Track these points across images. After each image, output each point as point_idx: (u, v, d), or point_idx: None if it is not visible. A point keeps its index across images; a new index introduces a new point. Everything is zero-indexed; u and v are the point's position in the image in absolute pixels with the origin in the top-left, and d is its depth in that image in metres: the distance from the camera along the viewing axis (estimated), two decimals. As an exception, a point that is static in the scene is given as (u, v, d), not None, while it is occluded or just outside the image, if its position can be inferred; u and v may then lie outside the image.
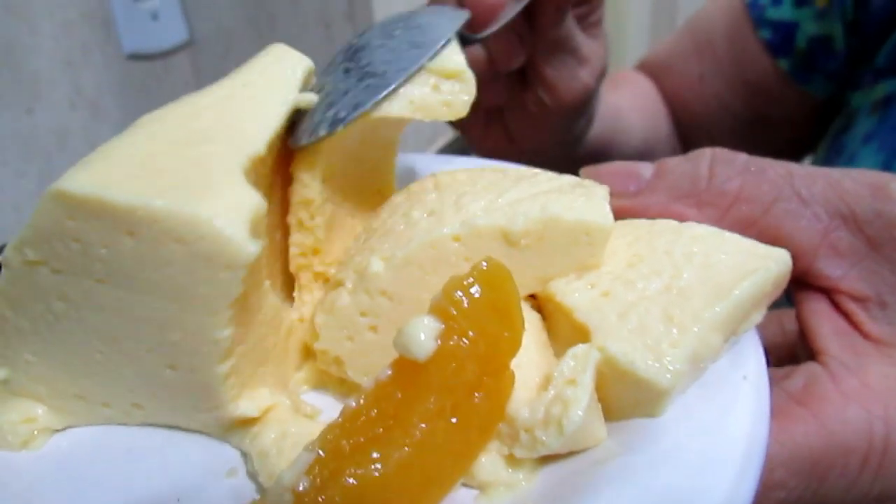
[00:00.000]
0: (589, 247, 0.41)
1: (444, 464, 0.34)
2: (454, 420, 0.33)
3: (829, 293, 0.43)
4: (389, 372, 0.33)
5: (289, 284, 0.48)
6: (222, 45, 1.23)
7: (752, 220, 0.43)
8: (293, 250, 0.47)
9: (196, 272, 0.35)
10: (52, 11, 0.99)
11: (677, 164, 0.45)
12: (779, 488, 0.38)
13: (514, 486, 0.36)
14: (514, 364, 0.36)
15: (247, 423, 0.40)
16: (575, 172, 0.46)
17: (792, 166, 0.43)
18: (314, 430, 0.38)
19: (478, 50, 0.63)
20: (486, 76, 0.63)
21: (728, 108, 0.92)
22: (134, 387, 0.40)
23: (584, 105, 0.70)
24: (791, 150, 0.92)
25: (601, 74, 0.70)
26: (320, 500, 0.31)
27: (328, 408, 0.43)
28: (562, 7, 0.60)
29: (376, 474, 0.31)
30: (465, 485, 0.36)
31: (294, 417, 0.40)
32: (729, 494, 0.31)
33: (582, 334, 0.38)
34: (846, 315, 0.42)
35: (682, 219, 0.44)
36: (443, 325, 0.33)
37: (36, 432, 0.41)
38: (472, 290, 0.34)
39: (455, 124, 0.72)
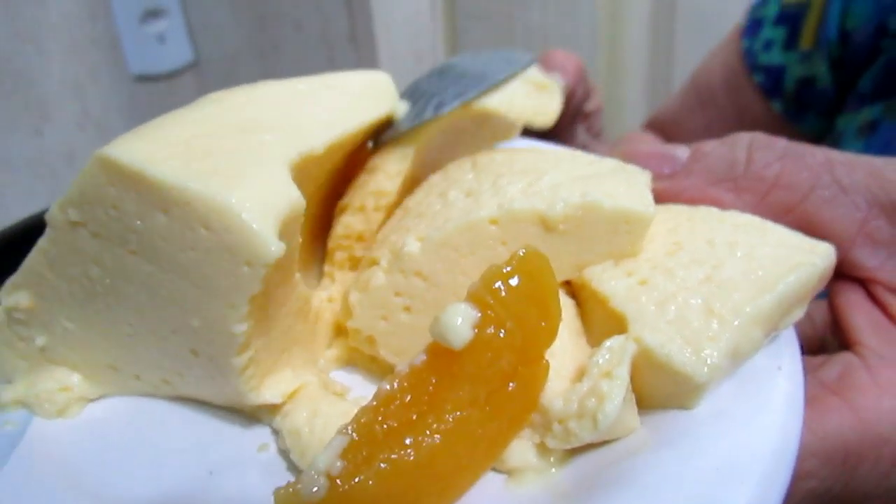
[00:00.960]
0: (628, 235, 0.40)
1: (475, 452, 0.34)
2: (487, 409, 0.33)
3: (866, 283, 0.42)
4: (424, 357, 0.33)
5: (321, 262, 0.48)
6: (227, 67, 1.24)
7: (789, 207, 0.42)
8: (339, 229, 0.47)
9: (219, 262, 0.35)
10: (60, 35, 1.00)
11: (714, 148, 0.44)
12: (810, 478, 0.37)
13: (543, 472, 0.36)
14: (548, 353, 0.35)
15: (274, 407, 0.40)
16: None
17: (832, 153, 0.42)
18: (345, 409, 0.39)
19: None
20: None
21: None
22: (161, 364, 0.40)
23: None
24: None
25: None
26: (354, 482, 0.31)
27: (357, 386, 0.44)
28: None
29: (409, 459, 0.31)
30: (494, 469, 0.36)
31: (325, 396, 0.40)
32: (760, 491, 0.31)
33: (618, 323, 0.37)
34: (882, 306, 0.41)
35: (717, 203, 0.42)
36: (479, 314, 0.33)
37: (72, 401, 0.41)
38: (511, 279, 0.33)
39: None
